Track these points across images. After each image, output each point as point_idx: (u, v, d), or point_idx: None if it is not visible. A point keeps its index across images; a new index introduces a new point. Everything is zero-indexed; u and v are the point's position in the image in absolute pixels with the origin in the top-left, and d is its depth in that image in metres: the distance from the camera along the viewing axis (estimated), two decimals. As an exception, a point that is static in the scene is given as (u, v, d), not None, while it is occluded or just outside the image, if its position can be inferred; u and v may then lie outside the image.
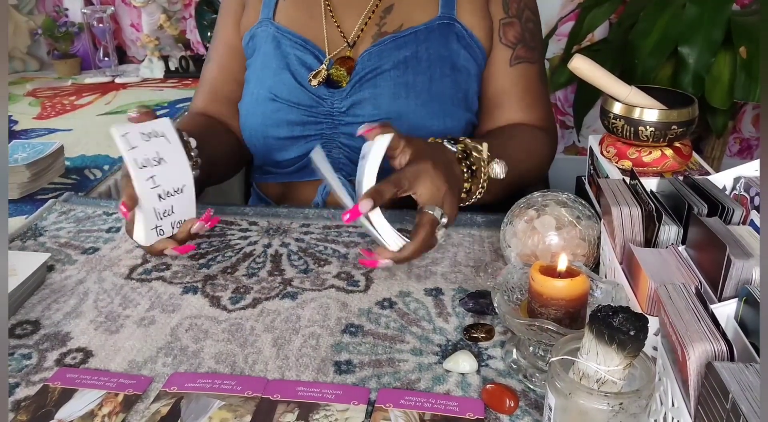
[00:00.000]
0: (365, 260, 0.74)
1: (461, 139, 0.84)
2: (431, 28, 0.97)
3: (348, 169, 0.99)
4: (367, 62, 0.97)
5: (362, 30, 1.00)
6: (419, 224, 0.74)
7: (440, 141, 0.84)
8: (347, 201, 0.73)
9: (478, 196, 0.84)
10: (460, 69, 0.98)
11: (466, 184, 0.82)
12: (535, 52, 1.03)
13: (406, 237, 0.74)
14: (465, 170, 0.82)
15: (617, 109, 0.80)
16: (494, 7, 1.00)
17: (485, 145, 0.83)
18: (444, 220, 0.75)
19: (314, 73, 0.98)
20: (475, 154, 0.83)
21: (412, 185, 0.74)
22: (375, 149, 0.73)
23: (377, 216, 0.73)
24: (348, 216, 0.70)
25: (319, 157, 0.75)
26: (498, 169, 0.83)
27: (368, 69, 0.97)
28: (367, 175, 0.72)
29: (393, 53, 0.96)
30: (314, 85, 0.97)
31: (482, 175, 0.83)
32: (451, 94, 0.97)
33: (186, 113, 1.16)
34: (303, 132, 0.99)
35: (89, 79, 2.00)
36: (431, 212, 0.73)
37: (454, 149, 0.82)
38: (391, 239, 0.73)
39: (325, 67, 0.98)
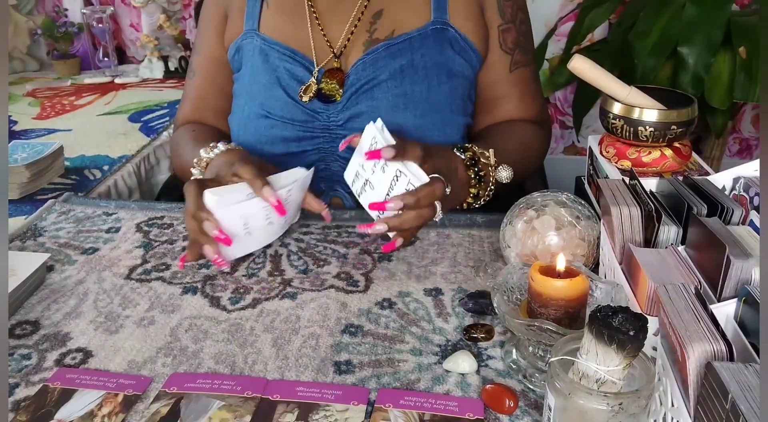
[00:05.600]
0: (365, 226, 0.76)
1: (469, 146, 0.88)
2: (425, 34, 0.96)
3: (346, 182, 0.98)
4: (362, 73, 0.95)
5: (348, 39, 0.97)
6: (428, 183, 0.76)
7: (450, 148, 0.87)
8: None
9: (487, 198, 0.89)
10: (456, 74, 0.97)
11: (473, 190, 0.86)
12: (530, 54, 1.04)
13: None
14: (473, 176, 0.86)
15: (617, 109, 0.80)
16: (490, 13, 0.99)
17: (491, 150, 0.88)
18: (448, 190, 0.78)
19: (303, 88, 0.96)
20: (483, 160, 0.87)
21: (427, 161, 0.77)
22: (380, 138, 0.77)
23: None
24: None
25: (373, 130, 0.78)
26: (505, 174, 0.89)
27: (364, 80, 0.95)
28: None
29: (388, 62, 0.94)
30: (306, 102, 0.95)
31: (491, 179, 0.88)
32: (449, 102, 0.96)
33: (173, 128, 1.12)
34: (299, 148, 0.97)
35: (89, 79, 2.00)
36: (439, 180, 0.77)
37: (463, 156, 0.86)
38: (416, 174, 0.75)
39: (314, 79, 0.96)
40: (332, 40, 0.98)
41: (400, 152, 0.74)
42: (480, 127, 1.04)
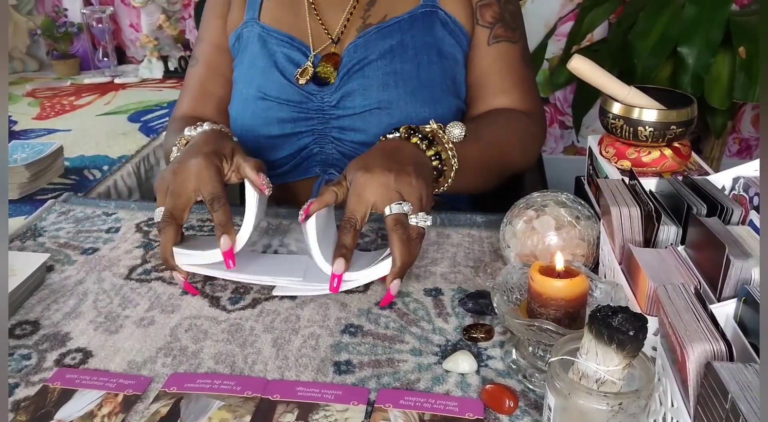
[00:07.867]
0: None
1: (406, 126, 0.82)
2: (415, 16, 0.98)
3: (341, 164, 1.00)
4: (354, 54, 0.97)
5: (345, 26, 1.00)
6: (405, 240, 0.71)
7: (382, 138, 0.83)
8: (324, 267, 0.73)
9: (456, 166, 0.83)
10: (446, 55, 0.99)
11: (430, 152, 0.80)
12: (516, 33, 1.03)
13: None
14: (419, 142, 0.80)
15: (616, 109, 0.80)
16: None
17: (431, 121, 0.84)
18: (428, 224, 0.73)
19: (300, 70, 0.98)
20: (426, 128, 0.83)
21: (363, 213, 0.73)
22: (309, 233, 0.72)
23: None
24: (335, 283, 0.72)
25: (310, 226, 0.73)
26: (457, 132, 0.84)
27: (355, 60, 0.97)
28: (316, 255, 0.73)
29: (379, 43, 0.97)
30: (302, 84, 0.98)
31: (443, 140, 0.83)
32: (439, 81, 0.98)
33: (169, 123, 1.10)
34: (294, 129, 0.99)
35: (88, 79, 2.00)
36: (415, 220, 0.72)
37: (392, 136, 0.81)
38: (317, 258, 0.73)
39: (311, 63, 0.99)
40: (329, 28, 1.01)
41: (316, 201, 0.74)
42: (468, 118, 1.03)
